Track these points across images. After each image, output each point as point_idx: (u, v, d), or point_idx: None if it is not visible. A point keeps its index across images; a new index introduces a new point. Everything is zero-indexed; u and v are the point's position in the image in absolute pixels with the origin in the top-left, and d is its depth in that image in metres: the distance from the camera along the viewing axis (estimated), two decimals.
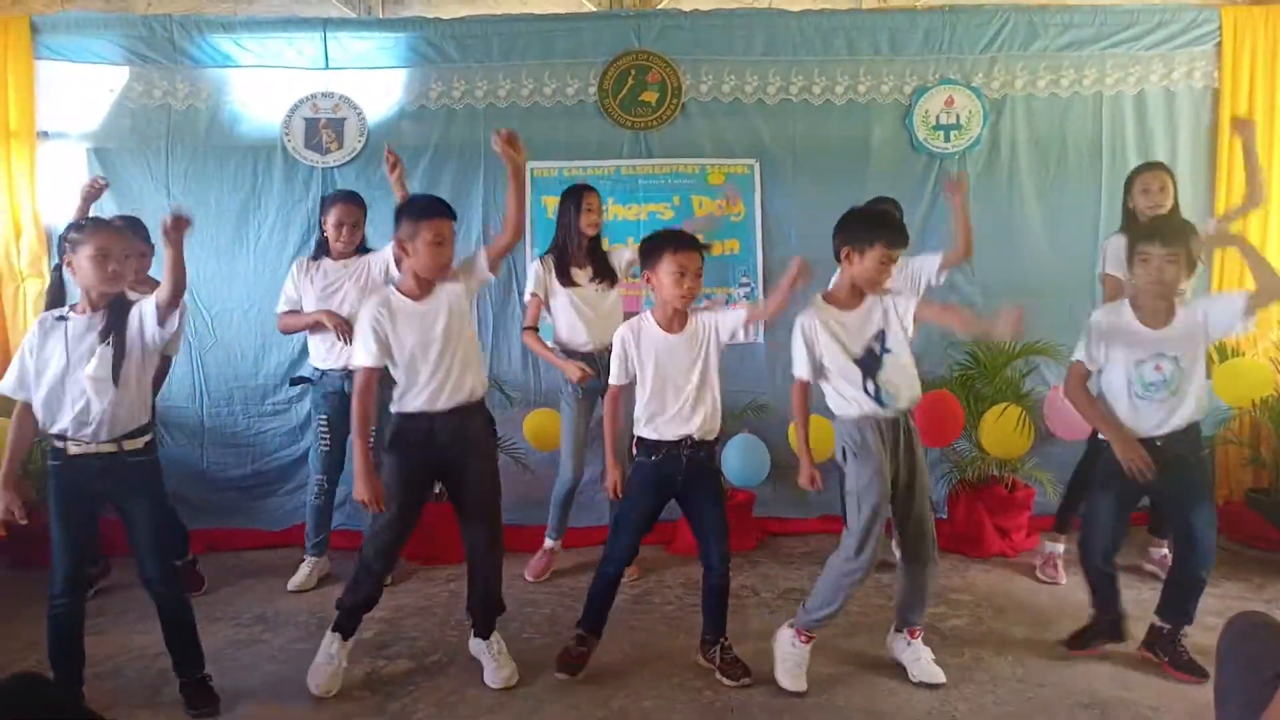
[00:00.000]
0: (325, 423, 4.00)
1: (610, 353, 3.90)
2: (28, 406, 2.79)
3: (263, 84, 4.80)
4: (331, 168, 4.80)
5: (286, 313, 4.01)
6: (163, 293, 2.75)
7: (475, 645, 3.21)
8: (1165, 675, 3.04)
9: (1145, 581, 3.82)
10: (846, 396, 2.99)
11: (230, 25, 4.80)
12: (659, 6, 5.20)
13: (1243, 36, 4.85)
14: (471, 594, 3.20)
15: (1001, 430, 4.19)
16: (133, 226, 3.69)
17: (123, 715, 2.88)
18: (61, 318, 2.78)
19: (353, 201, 4.00)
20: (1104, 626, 3.22)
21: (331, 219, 3.93)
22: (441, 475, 3.14)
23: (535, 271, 4.05)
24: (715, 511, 3.08)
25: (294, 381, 4.47)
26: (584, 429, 4.04)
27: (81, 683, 2.86)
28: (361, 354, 2.97)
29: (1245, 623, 1.62)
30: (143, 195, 4.67)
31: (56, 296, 2.96)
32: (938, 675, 3.00)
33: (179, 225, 2.63)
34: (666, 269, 2.99)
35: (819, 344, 3.00)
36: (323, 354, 3.99)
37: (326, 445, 4.00)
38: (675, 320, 3.08)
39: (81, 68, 4.72)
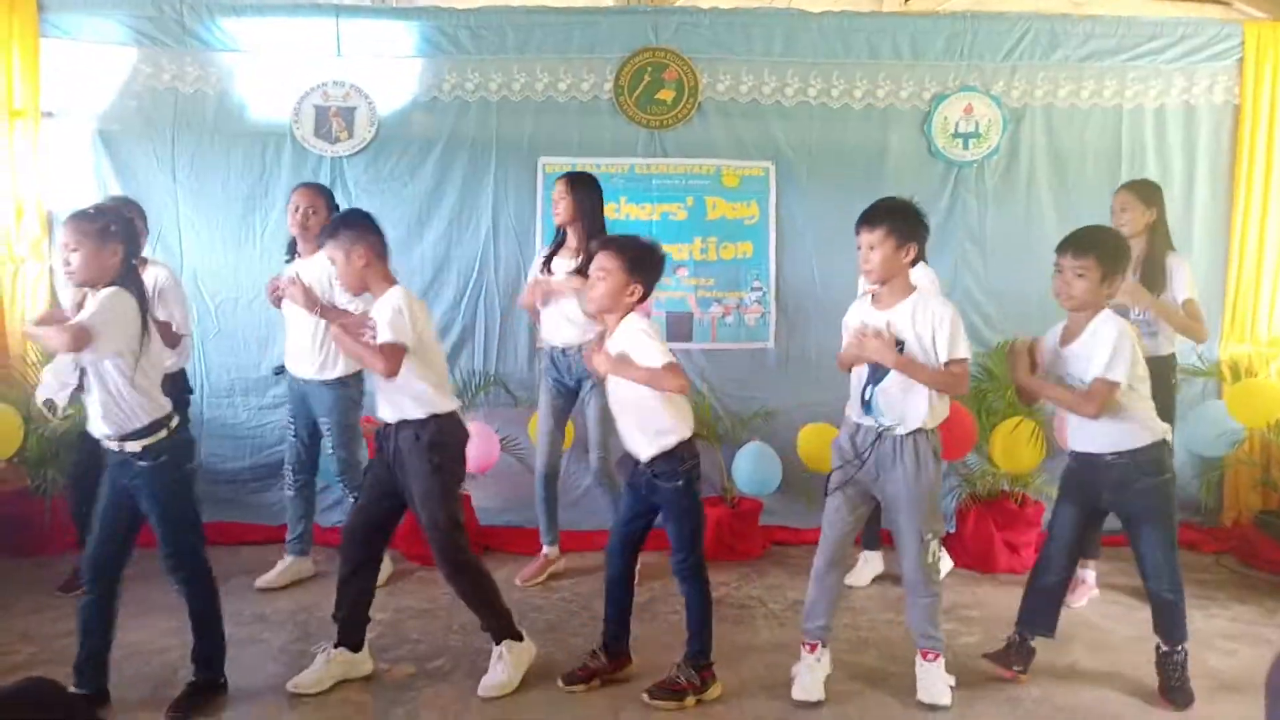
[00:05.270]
0: (290, 415, 4.02)
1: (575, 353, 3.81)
2: None
3: (272, 70, 4.71)
4: (341, 157, 4.71)
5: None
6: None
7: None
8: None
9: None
10: (851, 396, 3.01)
11: (240, 9, 4.71)
12: (677, 4, 5.13)
13: (1265, 53, 4.81)
14: None
15: (1013, 444, 4.15)
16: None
17: (121, 714, 2.82)
18: None
19: (317, 191, 3.87)
20: (1022, 649, 3.14)
21: (292, 201, 3.82)
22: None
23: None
24: (671, 526, 2.99)
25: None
26: (551, 421, 3.99)
27: (105, 679, 2.83)
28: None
29: None
30: (148, 180, 4.57)
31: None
32: (942, 698, 2.92)
33: None
34: None
35: (846, 335, 3.04)
36: (290, 354, 3.91)
37: (292, 435, 4.01)
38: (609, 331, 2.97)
39: (88, 47, 4.60)
